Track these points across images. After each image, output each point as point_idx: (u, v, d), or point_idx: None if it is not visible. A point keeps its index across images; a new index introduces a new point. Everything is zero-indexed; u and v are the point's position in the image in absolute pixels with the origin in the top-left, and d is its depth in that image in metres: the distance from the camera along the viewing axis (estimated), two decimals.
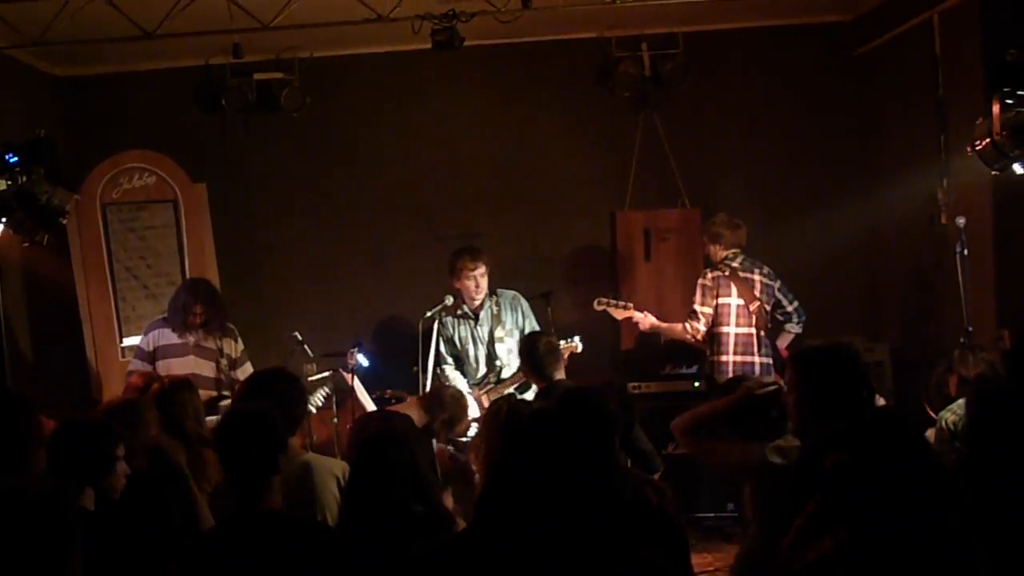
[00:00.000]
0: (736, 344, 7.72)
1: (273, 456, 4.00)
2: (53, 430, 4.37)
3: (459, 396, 6.61)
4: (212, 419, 7.22)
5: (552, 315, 8.54)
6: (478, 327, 7.75)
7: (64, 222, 6.23)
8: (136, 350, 7.85)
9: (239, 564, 3.76)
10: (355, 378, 7.74)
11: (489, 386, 7.62)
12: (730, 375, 7.60)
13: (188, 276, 9.18)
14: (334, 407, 8.32)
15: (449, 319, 7.78)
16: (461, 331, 7.80)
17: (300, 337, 8.31)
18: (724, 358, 7.71)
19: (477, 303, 7.75)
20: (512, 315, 7.74)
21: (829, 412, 3.97)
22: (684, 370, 8.57)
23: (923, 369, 6.84)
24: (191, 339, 7.66)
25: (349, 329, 9.50)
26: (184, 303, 7.65)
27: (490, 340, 7.70)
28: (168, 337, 7.70)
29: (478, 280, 7.66)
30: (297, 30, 8.44)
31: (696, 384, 8.27)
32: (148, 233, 9.44)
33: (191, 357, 7.65)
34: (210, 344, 7.72)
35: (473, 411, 7.34)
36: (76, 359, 9.09)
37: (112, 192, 9.28)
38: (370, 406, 7.46)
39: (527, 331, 7.63)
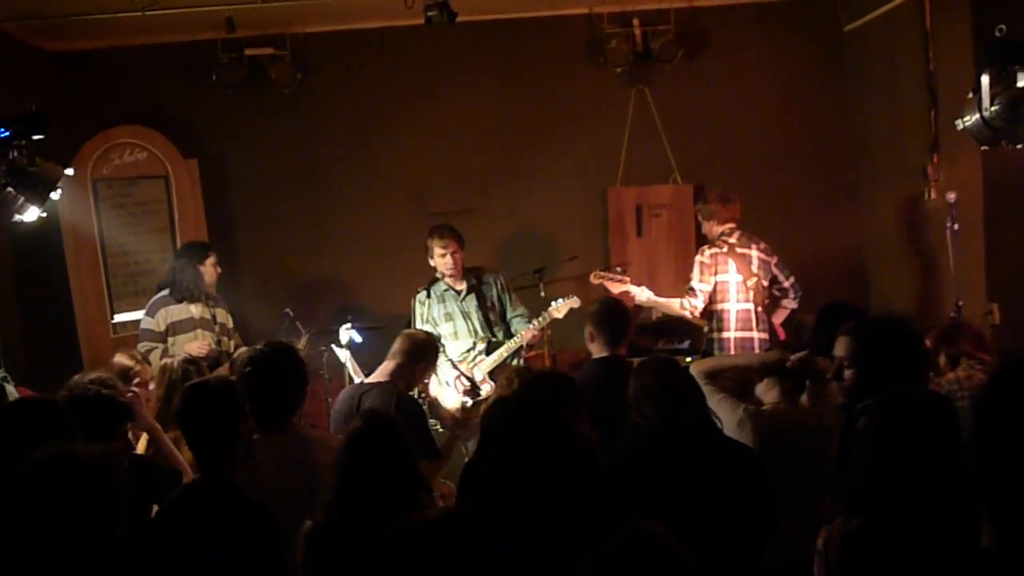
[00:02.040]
0: (737, 320, 7.74)
1: (232, 427, 4.03)
2: (65, 397, 4.41)
3: (432, 339, 6.52)
4: None
5: (544, 291, 8.55)
6: (463, 301, 7.74)
7: (55, 197, 6.19)
8: (144, 332, 7.71)
9: (187, 532, 3.79)
10: (349, 355, 7.75)
11: (478, 358, 7.63)
12: (732, 350, 7.66)
13: None
14: (326, 384, 8.38)
15: (431, 299, 7.74)
16: (445, 308, 7.76)
17: (292, 314, 8.34)
18: (726, 334, 7.72)
19: (453, 279, 7.74)
20: (494, 288, 7.77)
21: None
22: (677, 345, 8.59)
23: None
24: (195, 312, 7.69)
25: (341, 305, 9.52)
26: (190, 267, 7.71)
27: (482, 312, 7.70)
28: (175, 313, 7.67)
29: (451, 257, 7.64)
30: (289, 4, 8.42)
31: (688, 359, 8.25)
32: (139, 209, 9.44)
33: (198, 330, 7.68)
34: (207, 315, 7.75)
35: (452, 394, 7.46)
36: (67, 335, 9.09)
37: (103, 168, 9.28)
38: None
39: (510, 307, 7.71)
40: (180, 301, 7.69)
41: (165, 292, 7.77)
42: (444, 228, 7.69)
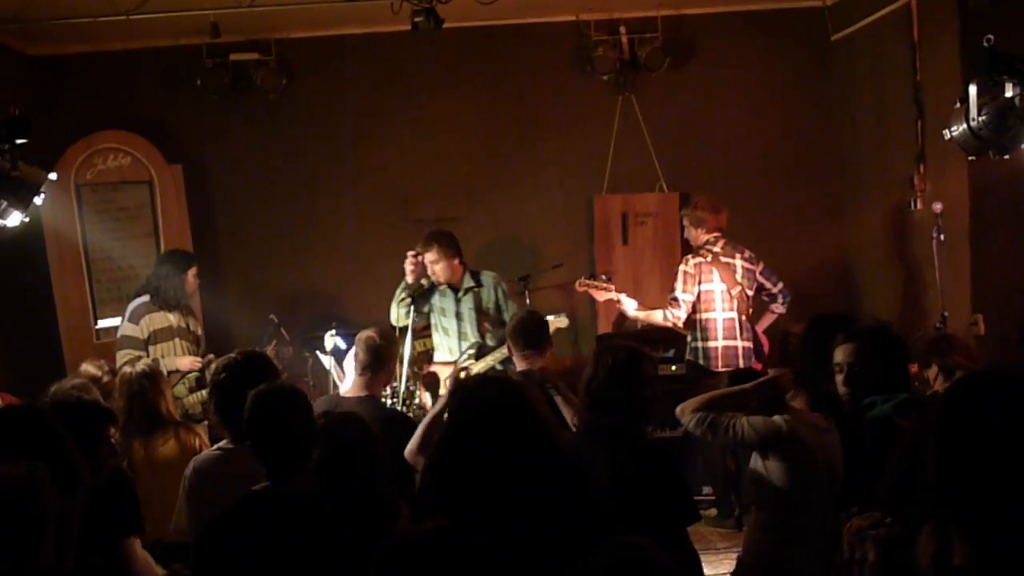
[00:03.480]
0: (723, 329, 7.73)
1: (303, 432, 3.97)
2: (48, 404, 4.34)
3: (386, 336, 6.45)
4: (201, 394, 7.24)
5: (530, 299, 8.52)
6: (460, 301, 7.68)
7: (38, 202, 6.15)
8: (125, 339, 7.56)
9: (257, 541, 3.70)
10: (333, 361, 7.72)
11: (469, 359, 7.59)
12: (718, 360, 7.71)
13: None
14: (310, 391, 8.33)
15: (435, 290, 7.71)
16: (442, 302, 7.72)
17: (276, 320, 8.30)
18: (712, 344, 7.72)
19: (444, 284, 7.70)
20: (493, 293, 7.71)
21: (885, 387, 4.37)
22: (663, 354, 8.55)
23: None
24: (173, 321, 7.61)
25: (326, 312, 9.48)
26: (175, 276, 7.65)
27: (476, 316, 7.67)
28: (157, 321, 7.55)
29: (430, 266, 7.59)
30: (275, 9, 8.39)
31: (674, 368, 8.22)
32: (123, 214, 9.39)
33: (177, 339, 7.61)
34: (183, 324, 7.68)
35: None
36: (49, 341, 9.02)
37: (87, 172, 9.23)
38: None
39: (509, 314, 7.62)
40: (160, 309, 7.59)
41: (145, 298, 7.63)
42: (429, 236, 7.64)
